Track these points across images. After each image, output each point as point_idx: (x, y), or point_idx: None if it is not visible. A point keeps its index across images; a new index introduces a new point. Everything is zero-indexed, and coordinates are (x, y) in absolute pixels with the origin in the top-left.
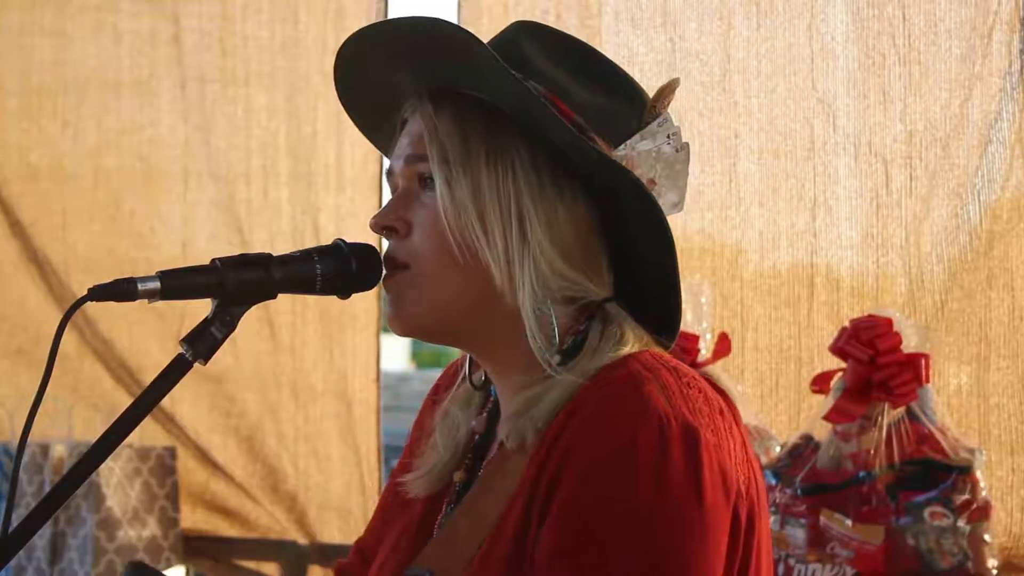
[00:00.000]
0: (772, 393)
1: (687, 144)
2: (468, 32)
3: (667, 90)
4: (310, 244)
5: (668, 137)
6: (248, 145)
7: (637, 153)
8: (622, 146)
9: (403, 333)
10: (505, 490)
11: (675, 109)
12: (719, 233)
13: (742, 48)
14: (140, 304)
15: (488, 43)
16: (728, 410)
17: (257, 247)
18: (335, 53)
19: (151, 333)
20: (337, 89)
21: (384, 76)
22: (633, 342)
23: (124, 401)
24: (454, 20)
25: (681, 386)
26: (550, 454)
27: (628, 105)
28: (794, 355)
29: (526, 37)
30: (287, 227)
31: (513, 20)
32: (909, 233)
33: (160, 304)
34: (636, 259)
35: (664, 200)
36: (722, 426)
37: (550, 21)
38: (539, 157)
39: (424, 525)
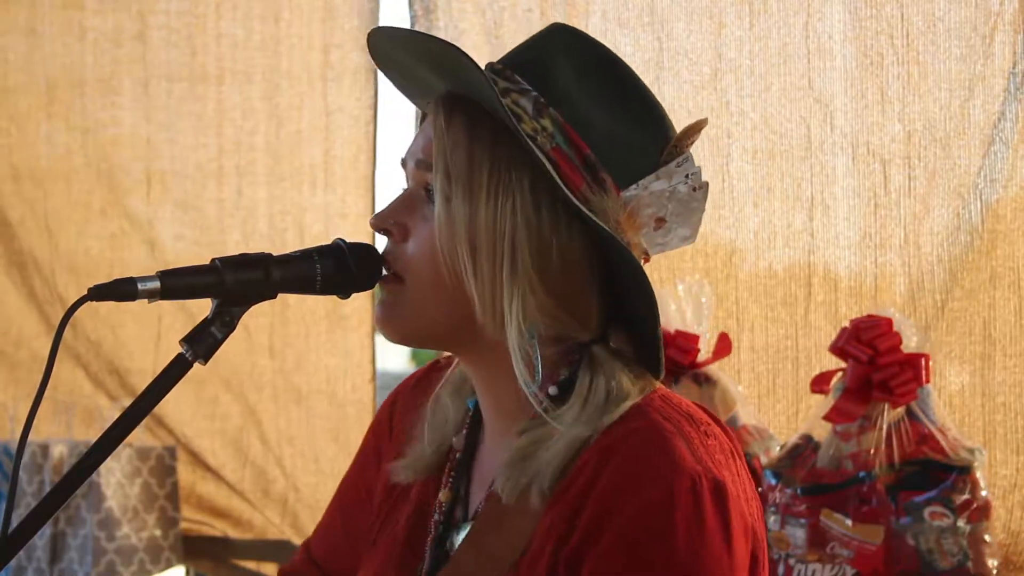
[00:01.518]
0: (769, 393)
1: (706, 183)
2: (482, 72)
3: (692, 130)
4: (292, 244)
5: (686, 177)
6: (220, 144)
7: (649, 193)
8: (633, 186)
9: (393, 340)
10: (517, 531)
11: (665, 108)
12: (712, 233)
13: (734, 47)
14: (120, 308)
15: (521, 46)
16: (733, 448)
17: (230, 248)
18: (324, 51)
19: (132, 337)
20: (376, 64)
21: (411, 70)
22: (630, 387)
23: (106, 404)
24: (405, 12)
25: (700, 436)
26: (581, 505)
27: (650, 139)
28: (791, 355)
29: (559, 48)
30: (264, 227)
31: (488, 18)
32: (908, 233)
33: (135, 307)
34: (624, 297)
35: (674, 234)
36: (735, 470)
37: (534, 19)
38: (541, 187)
39: (411, 548)
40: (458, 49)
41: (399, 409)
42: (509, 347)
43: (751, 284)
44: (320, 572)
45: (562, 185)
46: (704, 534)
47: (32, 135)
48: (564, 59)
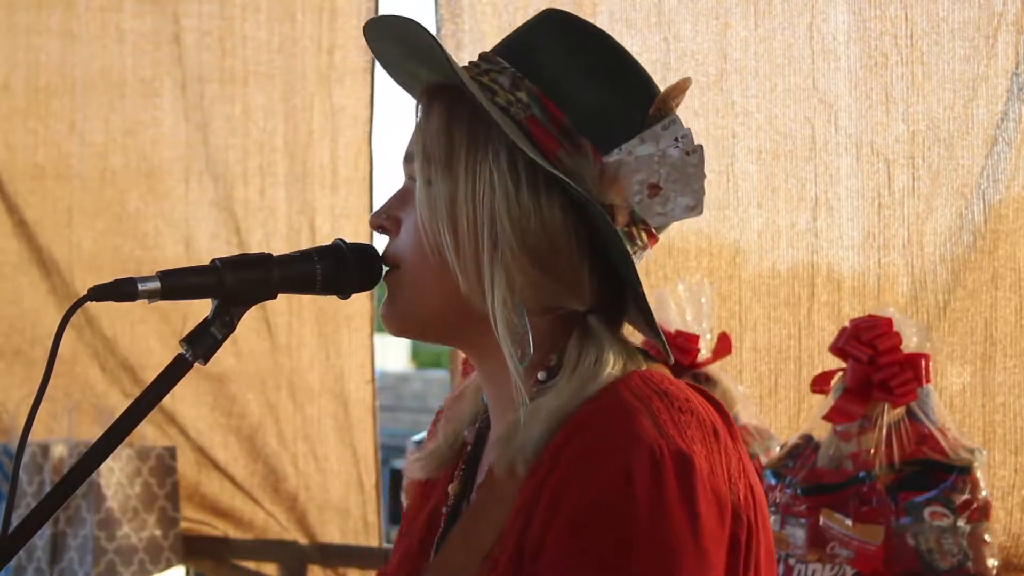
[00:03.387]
0: (771, 393)
1: (700, 147)
2: (436, 41)
3: (675, 91)
4: (306, 244)
5: (676, 140)
6: (246, 145)
7: (634, 158)
8: (616, 150)
9: (393, 332)
10: (498, 518)
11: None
12: (716, 233)
13: (739, 48)
14: (143, 304)
15: (514, 31)
16: (723, 426)
17: (254, 247)
18: (329, 52)
19: (153, 332)
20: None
21: (402, 63)
22: (614, 361)
23: (119, 401)
24: (432, 17)
25: (672, 412)
26: (543, 486)
27: (634, 106)
28: (794, 355)
29: (543, 28)
30: (283, 227)
31: (504, 20)
32: (912, 233)
33: (164, 304)
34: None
35: (676, 204)
36: (716, 448)
37: None
38: (518, 159)
39: (425, 542)
40: (416, 23)
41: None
42: (494, 320)
43: (754, 284)
44: None
45: (529, 148)
46: (665, 505)
47: (62, 135)
48: (547, 38)
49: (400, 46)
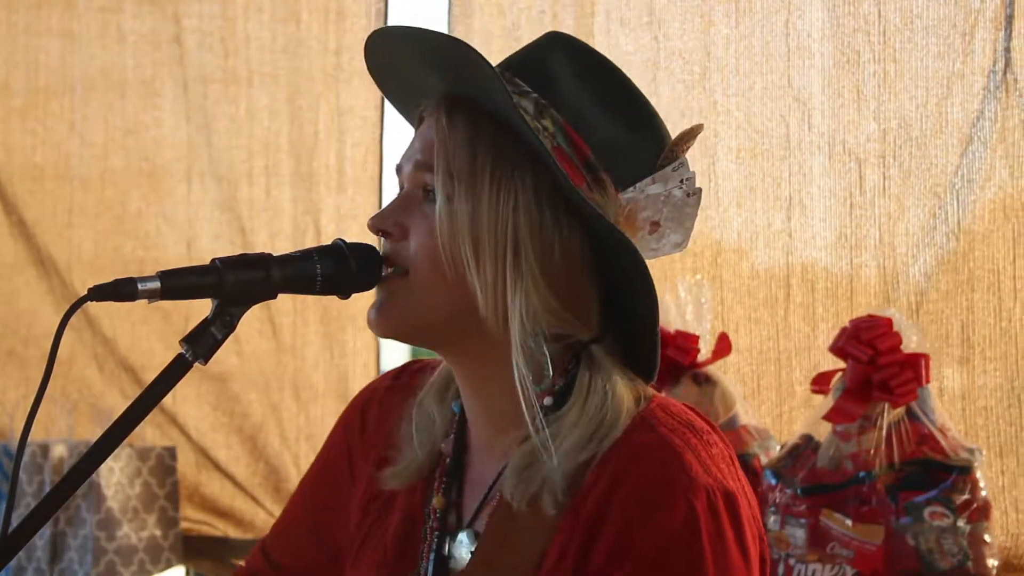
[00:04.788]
0: (754, 395)
1: (699, 189)
2: (487, 62)
3: (688, 136)
4: (311, 245)
5: (681, 182)
6: (250, 145)
7: (645, 196)
8: (631, 188)
9: (386, 335)
10: (529, 545)
11: (659, 109)
12: (700, 234)
13: (721, 46)
14: (145, 304)
15: (518, 52)
16: (731, 453)
17: (259, 248)
18: (336, 53)
19: (155, 333)
20: (368, 69)
21: (410, 72)
22: (625, 391)
23: (118, 402)
24: (444, 18)
25: (703, 446)
26: (598, 523)
27: (647, 144)
28: (773, 357)
29: (557, 54)
30: (288, 227)
31: (508, 20)
32: (883, 233)
33: (165, 304)
34: (624, 299)
35: (667, 240)
36: (737, 475)
37: (546, 21)
38: (543, 185)
39: (401, 556)
40: (467, 45)
41: (373, 410)
42: (511, 344)
43: (735, 285)
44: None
45: (568, 181)
46: (726, 551)
47: (62, 135)
48: (563, 64)
49: (414, 54)
